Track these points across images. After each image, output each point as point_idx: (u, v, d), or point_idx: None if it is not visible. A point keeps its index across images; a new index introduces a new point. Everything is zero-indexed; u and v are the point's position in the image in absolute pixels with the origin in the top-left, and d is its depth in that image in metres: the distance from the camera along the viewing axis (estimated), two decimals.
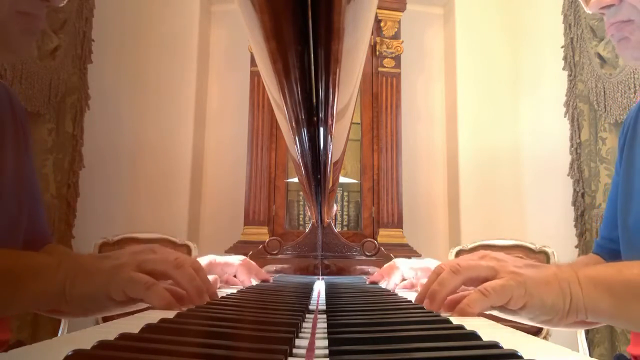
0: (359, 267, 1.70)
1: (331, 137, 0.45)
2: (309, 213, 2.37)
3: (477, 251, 0.63)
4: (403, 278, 0.92)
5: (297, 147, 0.49)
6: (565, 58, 2.58)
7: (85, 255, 0.58)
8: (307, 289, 0.78)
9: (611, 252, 0.89)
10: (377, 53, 2.75)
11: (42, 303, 0.55)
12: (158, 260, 0.55)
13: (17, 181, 0.78)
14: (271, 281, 0.89)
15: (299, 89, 0.33)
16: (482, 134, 2.96)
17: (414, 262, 0.94)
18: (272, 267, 1.66)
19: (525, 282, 0.53)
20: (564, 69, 2.58)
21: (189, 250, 2.14)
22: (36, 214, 0.84)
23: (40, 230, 0.86)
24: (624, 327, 0.56)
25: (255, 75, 2.68)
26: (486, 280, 0.55)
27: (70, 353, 0.26)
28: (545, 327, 0.57)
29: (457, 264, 0.57)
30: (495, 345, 0.31)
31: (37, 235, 0.84)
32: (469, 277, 0.56)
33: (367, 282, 0.96)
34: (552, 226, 2.64)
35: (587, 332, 2.19)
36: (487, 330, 0.41)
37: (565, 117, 2.58)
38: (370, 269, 1.66)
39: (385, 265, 0.97)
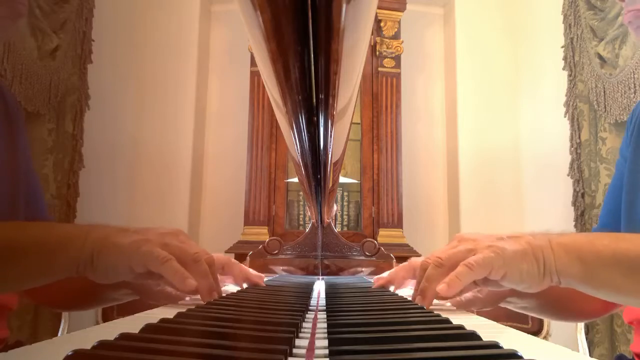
0: (359, 267, 1.70)
1: (331, 137, 0.45)
2: (309, 213, 2.37)
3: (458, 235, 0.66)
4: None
5: (297, 147, 0.49)
6: (565, 58, 2.58)
7: (112, 226, 0.61)
8: (307, 289, 0.78)
9: None
10: (377, 53, 2.75)
11: (71, 271, 0.58)
12: (179, 248, 0.59)
13: (10, 175, 0.79)
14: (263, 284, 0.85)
15: (299, 89, 0.33)
16: (482, 134, 2.96)
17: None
18: (279, 268, 1.65)
19: (503, 253, 0.57)
20: (564, 69, 2.58)
21: None
22: (35, 204, 0.87)
23: (40, 217, 0.88)
24: (593, 293, 0.61)
25: (255, 75, 2.68)
26: None
27: (70, 353, 0.26)
28: (528, 292, 0.62)
29: (439, 258, 0.60)
30: (495, 345, 0.31)
31: (36, 218, 0.86)
32: (453, 266, 0.59)
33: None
34: (552, 226, 2.61)
35: (587, 332, 2.19)
36: (487, 330, 0.42)
37: (565, 117, 2.58)
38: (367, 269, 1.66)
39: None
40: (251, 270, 0.83)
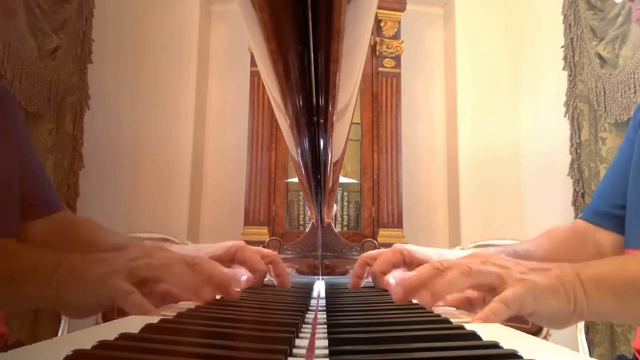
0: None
1: (331, 137, 0.45)
2: (309, 213, 2.37)
3: (474, 253, 0.62)
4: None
5: (297, 147, 0.49)
6: (565, 58, 2.58)
7: (83, 257, 0.58)
8: (307, 289, 0.78)
9: (604, 221, 0.90)
10: (377, 53, 2.75)
11: (38, 304, 0.57)
12: (147, 266, 0.55)
13: (7, 157, 0.80)
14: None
15: (299, 89, 0.33)
16: (482, 134, 2.96)
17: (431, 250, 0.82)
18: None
19: (533, 289, 0.53)
20: (564, 69, 2.58)
21: None
22: (40, 185, 0.89)
23: (48, 199, 0.90)
24: (626, 323, 0.57)
25: (255, 75, 2.68)
26: (491, 286, 0.55)
27: (70, 353, 0.26)
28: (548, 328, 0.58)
29: (469, 267, 0.55)
30: (495, 345, 0.31)
31: (45, 203, 0.89)
32: (478, 283, 0.55)
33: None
34: (552, 226, 2.63)
35: (587, 332, 2.19)
36: (487, 330, 0.41)
37: (565, 117, 2.58)
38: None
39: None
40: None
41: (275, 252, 0.84)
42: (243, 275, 0.68)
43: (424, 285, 0.56)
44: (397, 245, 0.81)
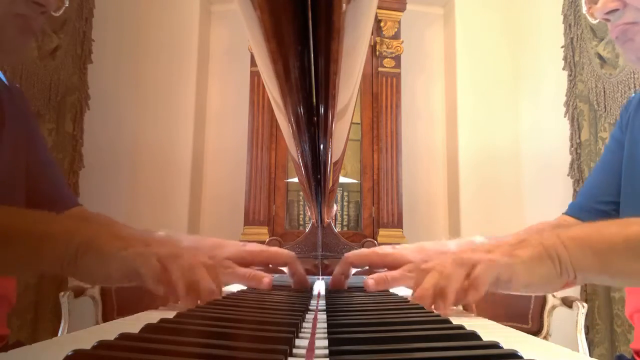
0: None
1: (331, 137, 0.45)
2: (309, 213, 2.37)
3: (456, 252, 0.65)
4: None
5: (297, 147, 0.49)
6: (565, 58, 2.58)
7: (103, 230, 0.59)
8: (307, 289, 0.78)
9: (589, 216, 0.92)
10: (377, 53, 2.75)
11: (55, 267, 0.57)
12: (157, 275, 0.55)
13: (18, 154, 0.82)
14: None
15: (299, 89, 0.33)
16: (482, 134, 2.96)
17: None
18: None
19: (524, 262, 0.57)
20: (564, 69, 2.58)
21: None
22: (56, 182, 0.93)
23: (63, 195, 0.93)
24: (610, 283, 0.62)
25: (255, 75, 2.68)
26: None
27: (70, 353, 0.26)
28: (545, 293, 0.64)
29: (473, 287, 0.56)
30: (495, 345, 0.31)
31: (61, 199, 0.91)
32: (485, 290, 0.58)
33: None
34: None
35: (587, 332, 2.19)
36: (487, 330, 0.42)
37: (565, 117, 2.58)
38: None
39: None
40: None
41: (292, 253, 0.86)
42: (264, 277, 0.71)
43: (434, 296, 0.58)
44: (380, 247, 0.85)
